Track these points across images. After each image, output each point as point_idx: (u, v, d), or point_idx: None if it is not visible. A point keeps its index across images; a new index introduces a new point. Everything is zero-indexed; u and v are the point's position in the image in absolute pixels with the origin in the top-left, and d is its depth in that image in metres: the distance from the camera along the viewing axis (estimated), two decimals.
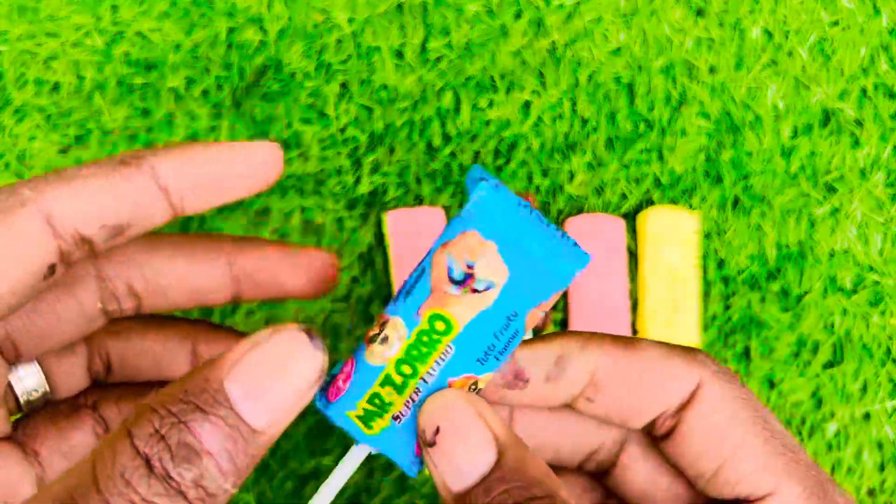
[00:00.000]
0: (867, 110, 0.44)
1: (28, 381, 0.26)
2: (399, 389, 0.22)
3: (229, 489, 0.19)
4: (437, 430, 0.20)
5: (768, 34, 0.45)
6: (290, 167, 0.43)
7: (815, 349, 0.43)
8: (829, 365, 0.43)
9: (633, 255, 0.43)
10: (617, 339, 0.23)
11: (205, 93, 0.44)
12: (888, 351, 0.43)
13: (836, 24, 0.45)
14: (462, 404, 0.21)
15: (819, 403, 0.43)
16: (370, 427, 0.22)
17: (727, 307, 0.43)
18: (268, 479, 0.42)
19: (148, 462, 0.18)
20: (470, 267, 0.21)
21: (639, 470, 0.25)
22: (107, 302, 0.25)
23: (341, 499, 0.42)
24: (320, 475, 0.42)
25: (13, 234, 0.21)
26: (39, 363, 0.26)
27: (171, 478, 0.18)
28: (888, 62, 0.45)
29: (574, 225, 0.42)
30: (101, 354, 0.27)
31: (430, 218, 0.42)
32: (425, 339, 0.22)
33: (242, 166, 0.23)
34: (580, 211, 0.44)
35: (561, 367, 0.22)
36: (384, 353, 0.22)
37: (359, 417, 0.22)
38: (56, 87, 0.44)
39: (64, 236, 0.21)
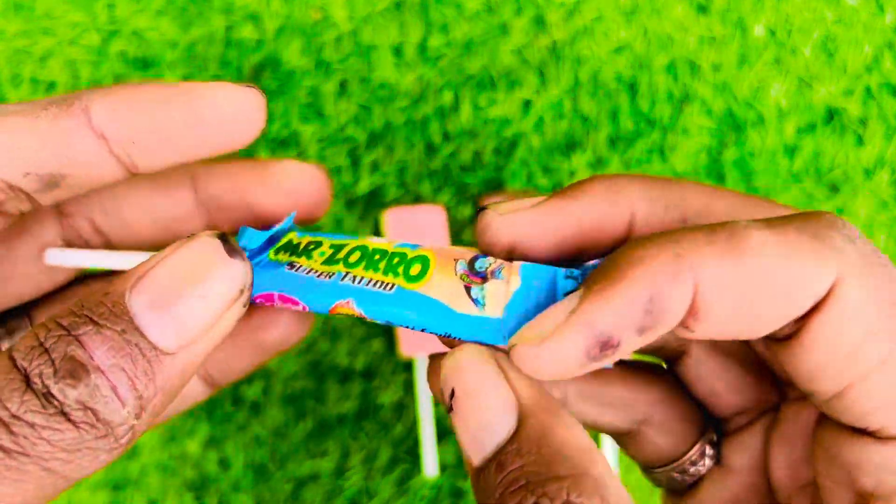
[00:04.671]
0: (871, 108, 0.44)
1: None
2: (329, 260, 0.20)
3: (130, 420, 0.16)
4: (453, 394, 0.17)
5: (771, 32, 0.44)
6: None
7: None
8: None
9: None
10: (715, 244, 0.16)
11: None
12: None
13: (839, 21, 0.45)
14: (477, 362, 0.17)
15: None
16: (277, 253, 0.20)
17: None
18: (265, 480, 0.41)
19: (26, 377, 0.15)
20: (493, 275, 0.19)
21: (707, 364, 0.22)
22: (71, 241, 0.22)
23: (340, 500, 0.41)
24: (319, 477, 0.41)
25: None
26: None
27: (51, 395, 0.15)
28: (892, 60, 0.44)
29: None
30: None
31: (429, 216, 0.41)
32: (395, 261, 0.19)
33: (206, 114, 0.18)
34: None
35: (654, 315, 0.16)
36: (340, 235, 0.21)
37: (288, 242, 0.21)
38: (52, 85, 0.43)
39: None
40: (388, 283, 0.19)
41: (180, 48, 0.43)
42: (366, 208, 0.43)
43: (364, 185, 0.43)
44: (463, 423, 0.17)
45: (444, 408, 0.18)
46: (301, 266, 0.20)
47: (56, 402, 0.15)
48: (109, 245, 0.23)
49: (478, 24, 0.44)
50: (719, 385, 0.22)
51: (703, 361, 0.22)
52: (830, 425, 0.18)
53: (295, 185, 0.22)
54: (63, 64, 0.43)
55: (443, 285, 0.19)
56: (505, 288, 0.18)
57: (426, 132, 0.43)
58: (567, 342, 0.16)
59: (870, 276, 0.16)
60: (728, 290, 0.16)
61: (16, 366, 0.15)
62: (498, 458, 0.16)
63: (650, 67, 0.44)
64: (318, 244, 0.20)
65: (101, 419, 0.15)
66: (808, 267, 0.16)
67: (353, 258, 0.19)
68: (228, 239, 0.17)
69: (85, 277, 0.24)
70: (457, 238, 0.43)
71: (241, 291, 0.17)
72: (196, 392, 0.24)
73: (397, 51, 0.44)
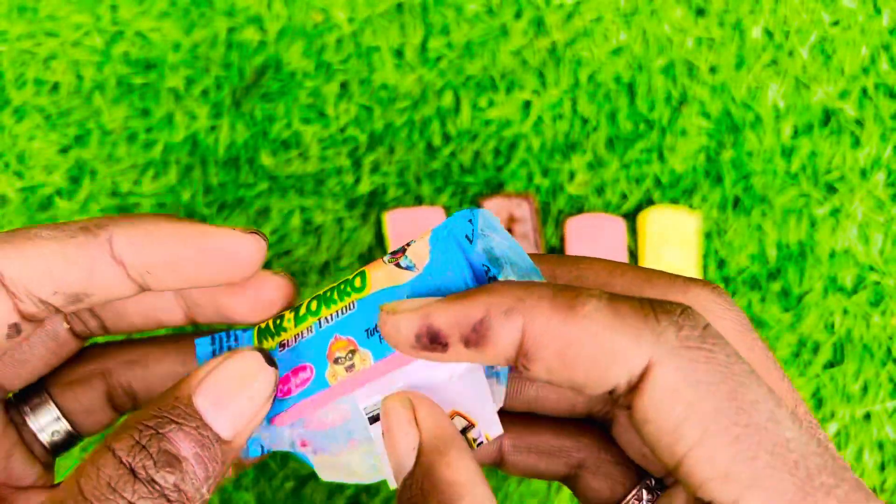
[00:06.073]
0: (868, 110, 0.44)
1: (44, 421, 0.26)
2: (298, 319, 0.24)
3: (205, 494, 0.20)
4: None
5: (769, 34, 0.45)
6: (289, 167, 0.43)
7: (816, 349, 0.43)
8: (830, 365, 0.43)
9: (633, 255, 0.43)
10: (557, 300, 0.19)
11: (204, 92, 0.44)
12: (889, 351, 0.43)
13: (836, 23, 0.45)
14: (397, 408, 0.21)
15: (820, 403, 0.43)
16: (261, 342, 0.24)
17: None
18: (267, 479, 0.42)
19: (132, 470, 0.19)
20: (407, 245, 0.23)
21: (632, 430, 0.24)
22: (73, 323, 0.26)
23: (342, 499, 0.42)
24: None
25: None
26: (56, 404, 0.26)
27: (154, 482, 0.19)
28: (889, 62, 0.45)
29: (574, 224, 0.42)
30: (122, 386, 0.27)
31: (430, 217, 0.42)
32: (343, 287, 0.23)
33: (213, 254, 0.22)
34: (580, 210, 0.43)
35: (480, 336, 0.19)
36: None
37: (259, 329, 0.24)
38: (55, 86, 0.44)
39: (21, 298, 0.22)
40: (347, 305, 0.23)
41: (183, 50, 0.44)
42: (367, 209, 0.43)
43: (365, 186, 0.43)
44: (388, 459, 0.21)
45: None
46: (287, 339, 0.24)
47: (158, 487, 0.19)
48: (104, 326, 0.26)
49: (478, 25, 0.44)
50: (646, 449, 0.24)
51: (629, 428, 0.24)
52: None
53: (262, 294, 0.25)
54: (67, 65, 0.44)
55: (379, 275, 0.23)
56: (423, 246, 0.22)
57: (426, 133, 0.44)
58: (406, 320, 0.20)
59: (687, 359, 0.18)
60: (553, 343, 0.19)
61: (122, 462, 0.19)
62: (401, 489, 0.21)
63: (649, 69, 0.44)
64: (281, 317, 0.24)
65: (189, 497, 0.20)
66: (622, 343, 0.18)
67: (314, 306, 0.23)
68: (265, 352, 0.22)
69: (87, 348, 0.27)
70: None
71: (273, 390, 0.22)
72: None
73: (398, 52, 0.44)
